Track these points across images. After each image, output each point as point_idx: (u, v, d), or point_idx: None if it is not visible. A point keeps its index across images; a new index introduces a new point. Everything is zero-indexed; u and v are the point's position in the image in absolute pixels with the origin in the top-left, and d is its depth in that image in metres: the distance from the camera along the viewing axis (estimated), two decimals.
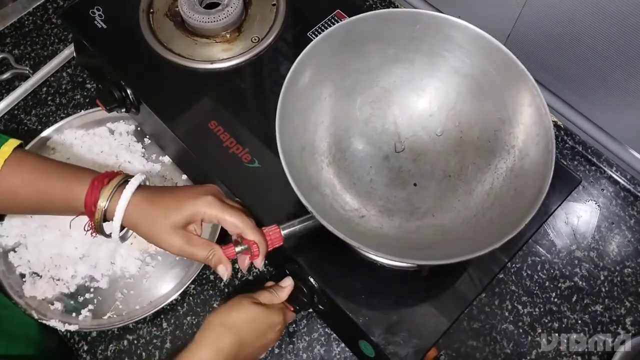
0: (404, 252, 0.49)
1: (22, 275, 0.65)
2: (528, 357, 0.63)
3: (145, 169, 0.71)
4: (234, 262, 0.51)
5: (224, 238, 0.65)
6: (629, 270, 0.67)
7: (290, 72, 0.52)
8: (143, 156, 0.72)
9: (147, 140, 0.74)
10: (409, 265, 0.54)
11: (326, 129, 0.59)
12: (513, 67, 0.52)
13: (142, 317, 0.63)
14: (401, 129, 0.61)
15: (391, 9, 0.56)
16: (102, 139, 0.73)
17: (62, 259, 0.65)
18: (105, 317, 0.63)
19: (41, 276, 0.65)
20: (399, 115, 0.61)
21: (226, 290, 0.67)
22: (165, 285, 0.66)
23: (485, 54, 0.54)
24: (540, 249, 0.69)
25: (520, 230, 0.45)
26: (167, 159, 0.72)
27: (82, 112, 0.75)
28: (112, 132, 0.74)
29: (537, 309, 0.65)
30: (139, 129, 0.74)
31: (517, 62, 0.52)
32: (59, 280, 0.65)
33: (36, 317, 0.62)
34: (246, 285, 0.67)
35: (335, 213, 0.55)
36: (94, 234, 0.50)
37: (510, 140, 0.54)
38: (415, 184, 0.59)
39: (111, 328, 0.63)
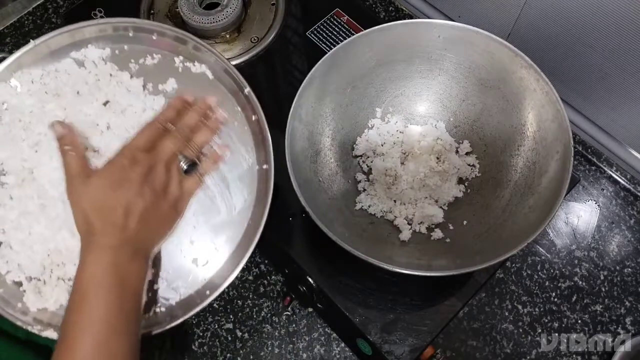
0: (406, 263, 0.49)
1: (18, 284, 0.47)
2: (528, 357, 0.63)
3: (146, 106, 0.51)
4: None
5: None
6: (629, 270, 0.67)
7: (307, 78, 0.52)
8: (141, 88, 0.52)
9: (132, 65, 0.52)
10: None
11: (346, 134, 0.60)
12: (538, 81, 0.51)
13: (204, 305, 0.47)
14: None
15: (414, 20, 0.56)
16: (69, 75, 0.51)
17: (62, 254, 0.47)
18: (152, 314, 0.46)
19: (44, 281, 0.47)
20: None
21: (225, 289, 0.67)
22: (217, 248, 0.49)
23: (510, 67, 0.53)
24: (540, 248, 0.68)
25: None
26: (169, 87, 0.52)
27: (29, 44, 0.52)
28: (80, 63, 0.52)
29: (537, 309, 0.65)
30: (116, 52, 0.52)
31: (543, 76, 0.51)
32: (69, 280, 0.47)
33: (57, 336, 0.44)
34: (246, 283, 0.67)
35: (343, 217, 0.55)
36: None
37: (532, 157, 0.53)
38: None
39: (168, 327, 0.46)
